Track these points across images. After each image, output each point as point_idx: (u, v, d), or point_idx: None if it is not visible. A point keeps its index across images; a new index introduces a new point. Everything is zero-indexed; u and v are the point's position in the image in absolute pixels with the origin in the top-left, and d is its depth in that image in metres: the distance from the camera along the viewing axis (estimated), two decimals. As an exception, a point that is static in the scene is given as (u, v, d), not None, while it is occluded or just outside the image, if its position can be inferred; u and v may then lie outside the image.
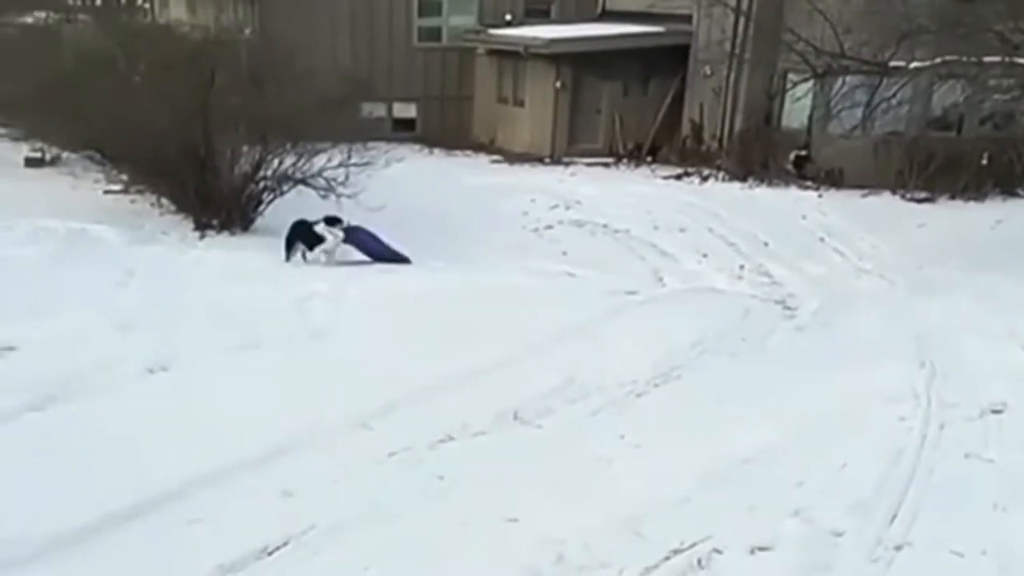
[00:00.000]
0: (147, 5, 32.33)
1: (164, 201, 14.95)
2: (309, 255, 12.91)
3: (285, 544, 5.39)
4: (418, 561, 5.31)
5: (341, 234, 12.92)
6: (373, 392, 7.53)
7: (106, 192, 15.87)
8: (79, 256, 11.87)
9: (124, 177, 15.70)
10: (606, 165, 22.92)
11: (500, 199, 17.97)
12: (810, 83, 16.83)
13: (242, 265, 11.61)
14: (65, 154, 17.55)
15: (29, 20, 24.69)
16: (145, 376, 7.89)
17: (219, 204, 14.09)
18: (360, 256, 13.06)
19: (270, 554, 5.31)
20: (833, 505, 5.96)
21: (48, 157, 18.36)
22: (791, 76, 18.45)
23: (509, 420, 7.24)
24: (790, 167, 20.59)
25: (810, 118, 20.29)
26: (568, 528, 5.59)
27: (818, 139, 20.31)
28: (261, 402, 7.32)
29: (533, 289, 11.56)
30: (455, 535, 5.57)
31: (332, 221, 12.96)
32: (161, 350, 8.27)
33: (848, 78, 15.39)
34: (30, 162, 18.30)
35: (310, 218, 12.88)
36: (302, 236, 12.84)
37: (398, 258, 12.85)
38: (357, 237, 13.04)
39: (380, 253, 12.97)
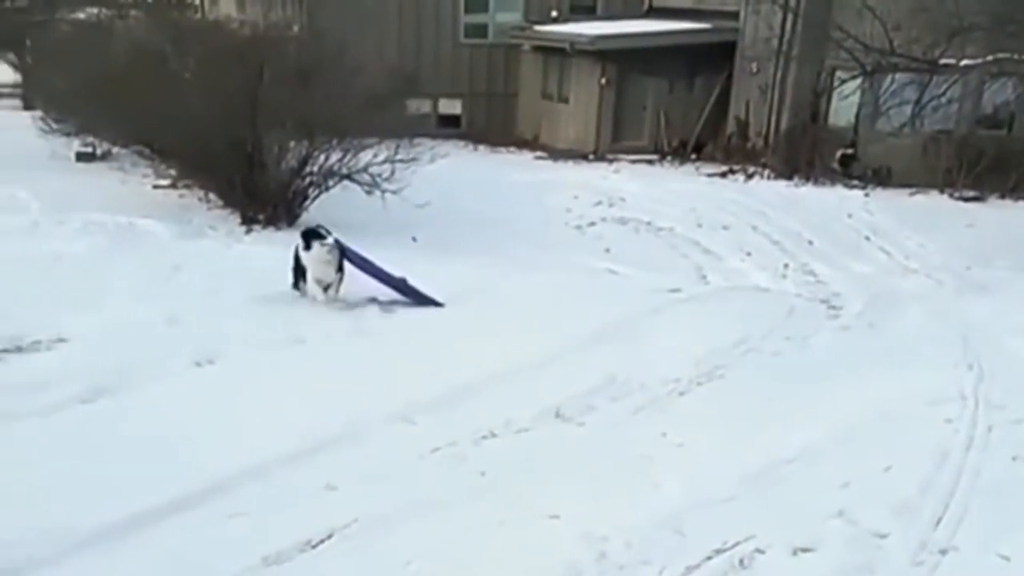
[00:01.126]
0: (197, 1, 32.70)
1: (211, 196, 15.12)
2: (302, 287, 10.15)
3: (329, 537, 5.43)
4: (460, 556, 5.34)
5: (328, 254, 9.84)
6: (416, 388, 7.57)
7: (155, 187, 16.10)
8: (128, 250, 12.05)
9: (172, 172, 15.92)
10: (650, 162, 22.87)
11: (543, 196, 17.99)
12: (858, 80, 16.70)
13: (287, 260, 11.71)
14: (115, 149, 17.82)
15: (82, 16, 25.07)
16: (192, 369, 7.99)
17: (265, 199, 14.23)
18: (373, 288, 10.12)
19: (314, 547, 5.36)
20: (877, 507, 5.91)
21: (99, 152, 18.65)
22: (839, 73, 18.36)
23: (551, 417, 7.25)
24: (836, 165, 20.44)
25: (857, 116, 20.14)
26: (610, 526, 5.59)
27: (865, 137, 20.13)
28: (305, 396, 7.39)
29: (575, 286, 11.56)
30: (497, 531, 5.59)
31: (310, 236, 9.91)
32: (208, 344, 8.37)
33: (897, 75, 15.26)
34: (81, 156, 18.60)
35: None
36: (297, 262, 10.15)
37: (421, 297, 10.02)
38: (353, 260, 9.95)
39: (389, 282, 10.00)
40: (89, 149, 18.63)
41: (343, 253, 9.88)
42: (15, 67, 29.50)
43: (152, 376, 7.70)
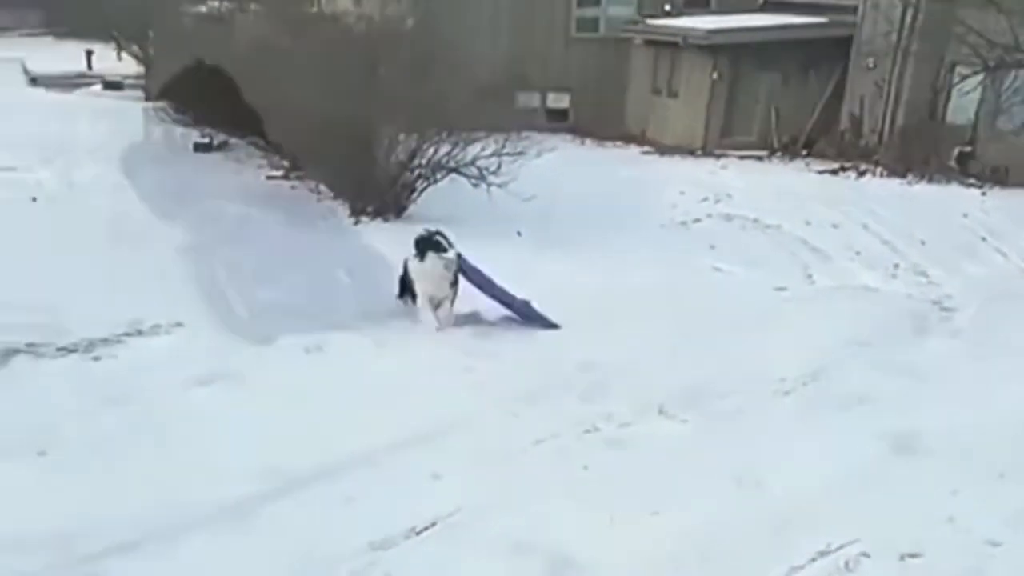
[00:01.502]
0: (315, -5, 33.23)
1: (322, 188, 15.43)
2: (408, 301, 9.28)
3: (432, 525, 5.55)
4: (561, 548, 5.38)
5: (445, 268, 8.84)
6: (521, 381, 7.65)
7: (268, 178, 16.50)
8: (243, 239, 12.38)
9: (285, 163, 16.31)
10: (759, 158, 22.54)
11: (649, 191, 17.87)
12: (979, 77, 16.22)
13: (395, 251, 11.91)
14: (231, 140, 18.34)
15: (203, 9, 25.71)
16: (302, 355, 8.21)
17: (374, 191, 14.44)
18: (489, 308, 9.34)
19: (418, 534, 5.48)
20: (989, 515, 5.78)
21: (215, 143, 19.19)
22: (959, 69, 17.84)
23: (654, 414, 7.26)
24: (953, 164, 19.86)
25: (977, 114, 19.54)
26: (711, 524, 5.59)
27: (985, 135, 19.52)
28: (413, 386, 7.54)
29: (680, 283, 11.48)
30: (598, 525, 5.62)
31: (426, 245, 8.83)
32: (317, 331, 8.59)
33: (1021, 72, 14.77)
34: (198, 147, 19.14)
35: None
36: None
37: (534, 316, 9.20)
38: (472, 278, 9.06)
39: (512, 305, 9.22)
40: (206, 140, 19.18)
41: (460, 268, 8.91)
42: (138, 59, 30.42)
43: (265, 361, 7.93)
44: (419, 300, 9.06)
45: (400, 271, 9.36)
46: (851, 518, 5.70)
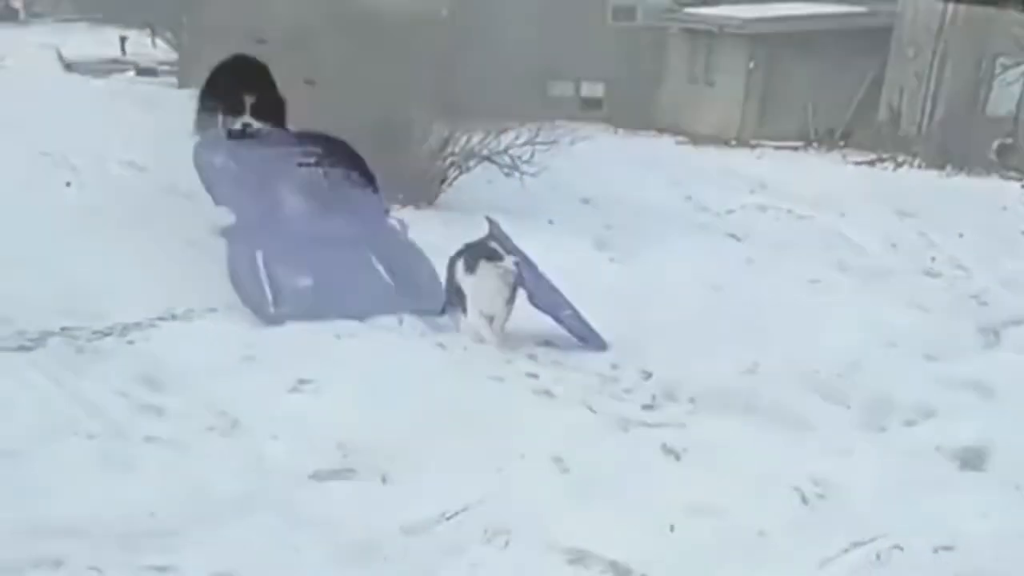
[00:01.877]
0: (348, -17, 33.23)
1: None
2: (453, 315, 8.11)
3: (464, 510, 5.53)
4: (592, 537, 5.34)
5: (500, 279, 7.59)
6: (580, 386, 7.63)
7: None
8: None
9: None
10: (795, 148, 22.42)
11: (682, 180, 17.79)
12: (1022, 68, 16.04)
13: (425, 242, 11.91)
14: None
15: (237, -4, 25.78)
16: (334, 341, 8.20)
17: (405, 179, 14.44)
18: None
19: (448, 519, 5.47)
20: (1019, 510, 5.74)
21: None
22: (1002, 60, 17.66)
23: (688, 404, 7.22)
24: (993, 156, 19.65)
25: (1018, 105, 19.31)
26: (746, 516, 5.55)
27: (1026, 127, 19.32)
28: (447, 372, 7.53)
29: (711, 275, 11.40)
30: (631, 513, 5.60)
31: (476, 253, 7.74)
32: (350, 320, 8.59)
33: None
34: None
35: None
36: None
37: (581, 332, 8.08)
38: (531, 287, 7.72)
39: (582, 335, 8.05)
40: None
41: (521, 279, 7.56)
42: (172, 45, 30.52)
43: (297, 345, 7.94)
44: (469, 314, 7.90)
45: (445, 273, 8.43)
46: (886, 510, 5.67)
